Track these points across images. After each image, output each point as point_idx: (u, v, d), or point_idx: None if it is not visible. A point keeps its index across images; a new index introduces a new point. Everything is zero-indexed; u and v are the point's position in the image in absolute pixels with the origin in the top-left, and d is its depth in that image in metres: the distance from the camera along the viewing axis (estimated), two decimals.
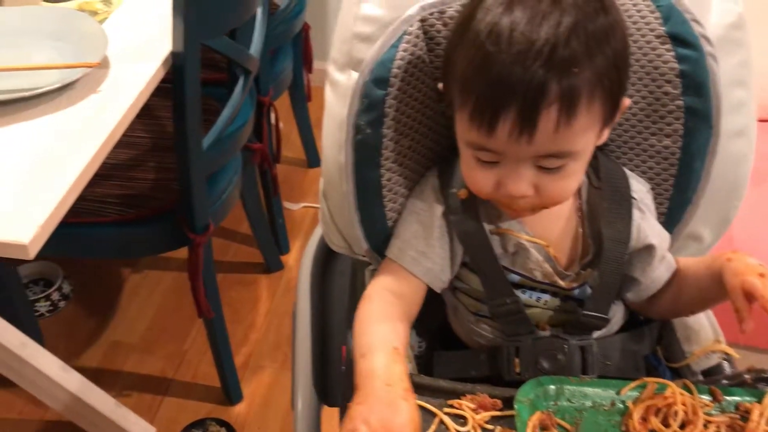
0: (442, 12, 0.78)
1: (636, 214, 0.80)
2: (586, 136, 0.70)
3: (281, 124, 2.24)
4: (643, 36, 0.79)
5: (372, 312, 0.77)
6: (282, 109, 2.14)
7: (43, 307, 1.71)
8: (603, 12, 0.68)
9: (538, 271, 0.79)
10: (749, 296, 0.68)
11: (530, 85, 0.64)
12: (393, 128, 0.79)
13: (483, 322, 0.82)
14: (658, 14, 0.78)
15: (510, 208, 0.76)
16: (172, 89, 1.19)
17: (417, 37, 0.78)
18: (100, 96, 1.09)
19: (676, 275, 0.81)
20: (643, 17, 0.79)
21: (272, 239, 1.88)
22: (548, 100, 0.65)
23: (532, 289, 0.80)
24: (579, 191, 0.81)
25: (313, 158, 2.22)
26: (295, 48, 1.95)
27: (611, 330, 0.82)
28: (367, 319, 0.76)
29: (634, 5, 0.79)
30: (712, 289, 0.75)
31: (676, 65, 0.78)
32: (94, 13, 1.28)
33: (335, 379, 0.90)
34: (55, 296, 1.73)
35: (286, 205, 2.05)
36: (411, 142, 0.81)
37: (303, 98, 2.10)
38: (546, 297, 0.81)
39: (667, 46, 0.78)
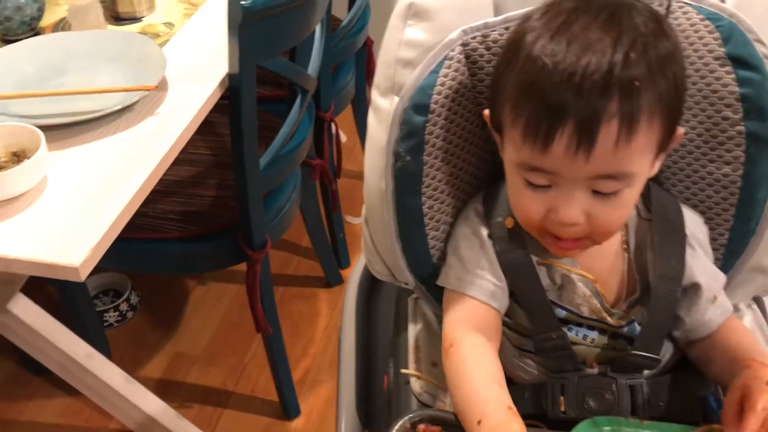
0: (485, 36, 0.76)
1: (687, 250, 0.75)
2: (644, 159, 0.67)
3: (344, 138, 2.25)
4: (700, 58, 0.75)
5: (467, 363, 0.72)
6: (346, 122, 2.16)
7: (111, 317, 1.77)
8: (662, 33, 0.66)
9: (585, 307, 0.76)
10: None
11: (591, 97, 0.62)
12: (434, 155, 0.77)
13: (527, 357, 0.79)
14: (717, 35, 0.74)
15: (556, 246, 0.72)
16: (230, 109, 1.21)
17: (459, 62, 0.76)
18: (157, 118, 1.12)
19: (717, 334, 0.76)
20: (701, 38, 0.74)
21: (332, 254, 1.88)
22: (609, 113, 0.63)
23: (579, 325, 0.77)
24: (626, 224, 0.77)
25: None
26: (358, 62, 1.96)
27: (663, 368, 0.78)
28: (465, 373, 0.71)
29: (692, 25, 0.75)
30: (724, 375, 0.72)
31: (736, 89, 0.74)
32: (156, 35, 1.32)
33: (379, 406, 0.89)
34: (124, 307, 1.79)
35: (348, 218, 2.05)
36: (453, 168, 0.79)
37: (365, 112, 2.10)
38: (593, 335, 0.77)
39: (727, 69, 0.74)
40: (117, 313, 1.77)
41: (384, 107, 0.81)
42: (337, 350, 1.70)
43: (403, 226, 0.79)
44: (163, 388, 1.63)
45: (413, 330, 0.84)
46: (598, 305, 0.76)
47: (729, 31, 0.74)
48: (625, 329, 0.76)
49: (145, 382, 1.55)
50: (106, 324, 1.75)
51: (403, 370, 0.78)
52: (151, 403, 1.47)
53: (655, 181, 0.79)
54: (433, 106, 0.75)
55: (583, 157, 0.64)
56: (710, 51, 0.74)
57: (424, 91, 0.75)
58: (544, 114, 0.65)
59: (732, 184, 0.77)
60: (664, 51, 0.65)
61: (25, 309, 1.33)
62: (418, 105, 0.75)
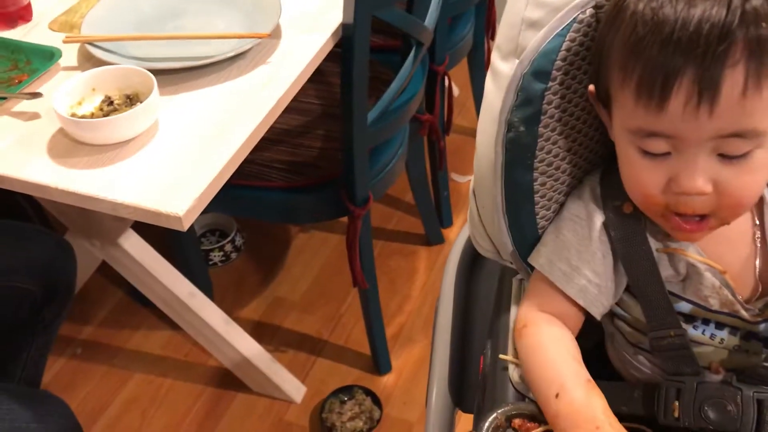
0: None
1: None
2: None
3: (456, 92, 2.18)
4: None
5: (543, 340, 0.70)
6: (459, 75, 2.08)
7: (216, 257, 1.81)
8: None
9: (714, 299, 0.68)
10: None
11: (709, 41, 0.55)
12: (551, 127, 0.70)
13: (641, 355, 0.72)
14: None
15: (679, 228, 0.65)
16: (341, 61, 1.17)
17: (589, 26, 0.68)
18: (269, 67, 1.10)
19: None
20: None
21: (435, 212, 1.84)
22: (733, 58, 0.56)
23: (706, 323, 0.69)
24: (761, 210, 0.69)
25: None
26: (478, 14, 1.87)
27: None
28: (541, 350, 0.70)
29: None
30: None
31: None
32: None
33: (473, 387, 0.85)
34: (228, 248, 1.83)
35: (453, 176, 1.99)
36: (571, 143, 0.72)
37: (482, 65, 2.02)
38: (722, 334, 0.69)
39: None
40: (221, 253, 1.82)
41: (504, 71, 0.74)
42: (432, 311, 1.69)
43: (510, 202, 0.73)
44: (260, 331, 1.67)
45: (515, 313, 0.79)
46: (730, 296, 0.68)
47: None
48: (762, 327, 0.68)
49: (243, 323, 1.59)
50: (210, 263, 1.80)
51: (502, 356, 0.73)
52: (247, 345, 1.51)
53: None
54: (555, 73, 0.68)
55: (706, 112, 0.57)
56: None
57: (547, 56, 0.68)
58: (657, 69, 0.58)
59: None
60: None
61: (134, 245, 1.38)
62: (539, 71, 0.68)
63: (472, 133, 2.22)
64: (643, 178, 0.64)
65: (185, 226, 0.89)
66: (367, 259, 1.45)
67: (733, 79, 0.56)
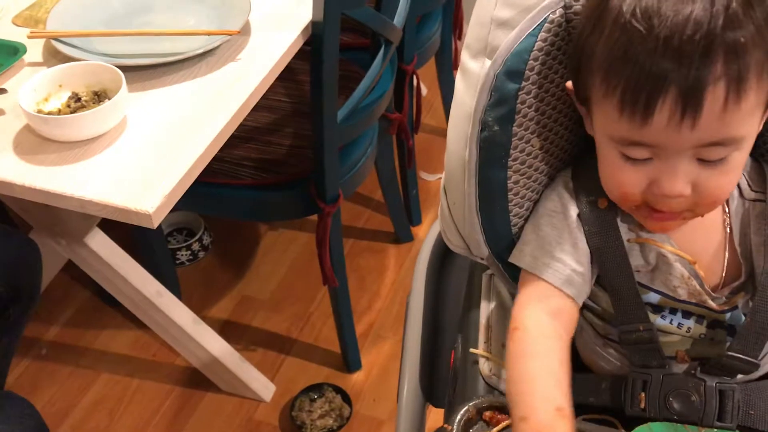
0: None
1: None
2: (753, 119, 0.62)
3: (424, 92, 2.19)
4: None
5: (527, 351, 0.68)
6: (427, 74, 2.09)
7: (183, 255, 1.80)
8: None
9: (682, 289, 0.70)
10: None
11: (693, 60, 0.57)
12: (524, 126, 0.71)
13: (610, 347, 0.74)
14: None
15: (654, 219, 0.67)
16: (311, 58, 1.17)
17: (559, 26, 0.69)
18: (238, 64, 1.10)
19: None
20: None
21: (404, 210, 1.85)
22: (714, 76, 0.57)
23: (673, 312, 0.71)
24: (727, 203, 0.71)
25: None
26: (445, 13, 1.88)
27: (760, 372, 0.72)
28: (522, 362, 0.67)
29: None
30: None
31: None
32: None
33: (443, 381, 0.86)
34: (196, 246, 1.81)
35: (422, 175, 2.01)
36: (543, 141, 0.73)
37: (449, 65, 2.03)
38: (689, 323, 0.71)
39: None
40: (189, 252, 1.80)
41: (474, 70, 0.75)
42: (402, 308, 1.70)
43: (484, 200, 0.74)
44: (229, 330, 1.66)
45: (486, 308, 0.80)
46: (698, 287, 0.70)
47: None
48: (728, 316, 0.70)
49: (211, 322, 1.58)
50: (177, 262, 1.78)
51: (473, 350, 0.74)
52: (216, 345, 1.50)
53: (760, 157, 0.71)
54: (527, 72, 0.70)
55: (689, 126, 0.59)
56: None
57: (519, 56, 0.69)
58: (641, 83, 0.59)
59: None
60: None
61: (101, 243, 1.36)
62: (512, 71, 0.70)
63: (440, 132, 2.25)
64: (623, 179, 0.65)
65: (155, 224, 0.88)
66: (338, 257, 1.45)
67: (715, 95, 0.58)
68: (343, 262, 1.48)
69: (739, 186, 0.71)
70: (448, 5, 1.87)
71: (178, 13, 1.19)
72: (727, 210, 0.72)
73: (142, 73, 1.06)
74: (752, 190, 0.72)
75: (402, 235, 1.87)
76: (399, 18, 1.37)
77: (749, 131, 0.62)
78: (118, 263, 1.38)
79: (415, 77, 1.68)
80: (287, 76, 1.45)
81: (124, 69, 1.00)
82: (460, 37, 1.99)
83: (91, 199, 0.89)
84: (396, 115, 1.60)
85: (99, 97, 1.00)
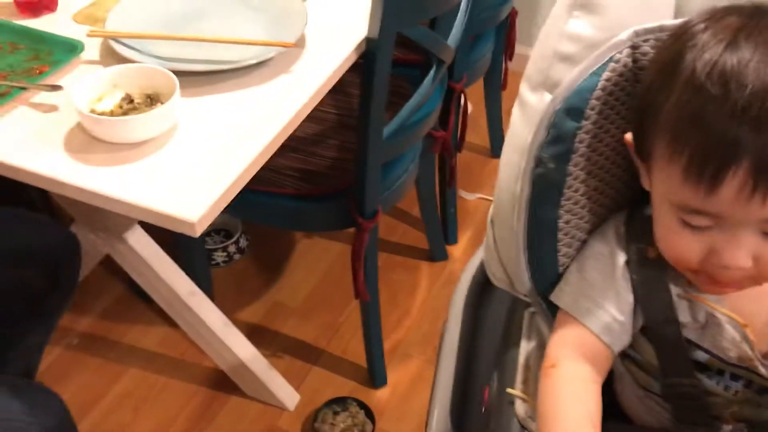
0: (659, 40, 0.67)
1: None
2: None
3: (469, 109, 2.18)
4: None
5: (566, 395, 0.67)
6: (474, 92, 2.08)
7: (219, 257, 1.80)
8: None
9: (732, 352, 0.68)
10: None
11: None
12: (580, 166, 0.70)
13: (652, 400, 0.72)
14: None
15: (712, 284, 0.65)
16: (362, 74, 1.17)
17: (625, 66, 0.68)
18: (291, 76, 1.10)
19: None
20: None
21: (440, 228, 1.84)
22: None
23: (721, 374, 0.69)
24: None
25: (497, 148, 2.14)
26: (498, 34, 1.86)
27: None
28: (560, 406, 0.66)
29: None
30: None
31: None
32: None
33: (475, 418, 0.85)
34: (232, 249, 1.82)
35: (461, 193, 1.99)
36: (599, 183, 0.72)
37: (498, 85, 2.02)
38: (737, 386, 0.69)
39: None
40: (225, 253, 1.81)
41: (532, 103, 0.74)
42: (431, 328, 1.69)
43: (533, 237, 0.72)
44: (258, 335, 1.66)
45: (525, 347, 0.79)
46: (749, 351, 0.67)
47: None
48: None
49: (241, 326, 1.58)
50: (213, 263, 1.79)
51: (510, 390, 0.73)
52: (244, 349, 1.50)
53: None
54: (588, 112, 0.68)
55: (759, 201, 0.57)
56: None
57: (581, 94, 0.68)
58: (712, 151, 0.57)
59: None
60: None
61: (139, 240, 1.37)
62: (573, 108, 0.68)
63: (482, 150, 2.23)
64: (681, 245, 0.63)
65: (198, 233, 0.88)
66: (371, 272, 1.44)
67: None
68: (376, 276, 1.47)
69: None
70: (502, 25, 1.85)
71: (234, 20, 1.19)
72: None
73: (195, 78, 1.06)
74: None
75: (437, 253, 1.85)
76: (453, 38, 1.36)
77: None
78: (154, 260, 1.38)
79: (462, 95, 1.67)
80: (337, 88, 1.44)
81: (178, 74, 1.01)
82: (510, 57, 1.97)
83: (135, 204, 0.89)
84: (441, 133, 1.59)
85: (152, 100, 1.00)
